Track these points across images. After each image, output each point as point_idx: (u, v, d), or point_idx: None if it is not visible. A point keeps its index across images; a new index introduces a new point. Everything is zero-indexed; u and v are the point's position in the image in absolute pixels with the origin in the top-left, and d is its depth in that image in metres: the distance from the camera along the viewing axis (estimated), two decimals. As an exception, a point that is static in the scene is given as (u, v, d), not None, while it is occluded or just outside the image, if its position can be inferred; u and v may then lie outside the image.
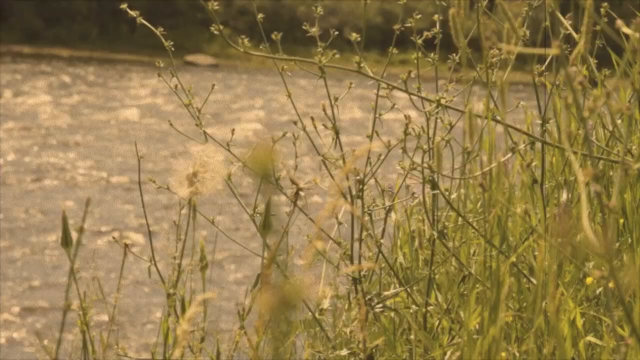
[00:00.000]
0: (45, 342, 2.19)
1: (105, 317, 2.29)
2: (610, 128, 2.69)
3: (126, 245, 2.40)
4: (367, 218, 2.65)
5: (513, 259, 2.13)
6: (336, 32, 2.65)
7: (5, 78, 26.05)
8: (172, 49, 2.71)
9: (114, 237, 2.59)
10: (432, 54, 2.62)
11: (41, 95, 23.55)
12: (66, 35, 37.80)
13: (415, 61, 2.60)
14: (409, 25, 2.58)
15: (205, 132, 2.62)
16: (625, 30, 1.76)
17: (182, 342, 1.55)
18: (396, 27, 2.59)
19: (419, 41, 2.60)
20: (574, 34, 2.30)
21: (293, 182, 2.40)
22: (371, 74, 2.61)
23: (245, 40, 2.65)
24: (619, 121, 2.54)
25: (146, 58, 31.05)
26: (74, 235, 2.02)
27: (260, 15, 2.68)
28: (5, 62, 30.17)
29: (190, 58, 34.15)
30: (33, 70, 28.45)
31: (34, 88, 24.86)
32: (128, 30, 36.01)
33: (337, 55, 2.64)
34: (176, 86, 2.68)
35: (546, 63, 2.56)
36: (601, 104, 1.47)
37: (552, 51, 1.46)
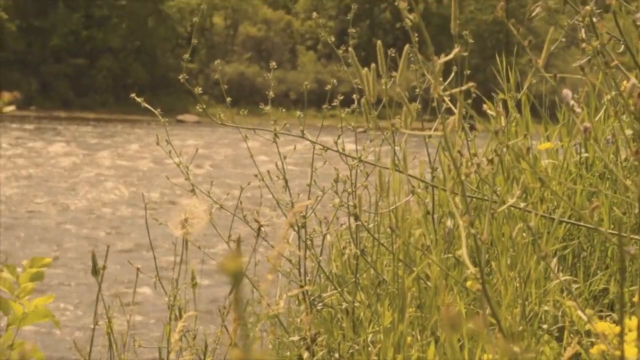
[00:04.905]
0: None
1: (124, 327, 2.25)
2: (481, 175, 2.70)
3: (138, 269, 2.37)
4: (309, 241, 2.64)
5: (415, 273, 2.13)
6: (283, 110, 2.66)
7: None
8: (167, 121, 2.68)
9: (129, 261, 2.56)
10: (352, 123, 2.62)
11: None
12: (91, 103, 37.93)
13: (341, 124, 2.60)
14: (335, 104, 2.58)
15: (193, 185, 2.59)
16: (490, 111, 1.78)
17: (175, 347, 1.54)
18: (325, 106, 2.59)
19: (343, 114, 2.60)
20: (453, 108, 2.31)
21: (256, 220, 2.39)
22: (310, 138, 2.62)
23: (222, 115, 2.65)
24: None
25: (149, 118, 31.14)
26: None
27: (228, 99, 2.66)
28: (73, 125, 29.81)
29: (180, 117, 34.32)
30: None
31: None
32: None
33: (287, 125, 2.64)
34: (170, 152, 2.66)
35: (431, 132, 2.57)
36: (473, 170, 1.48)
37: (437, 133, 1.46)
